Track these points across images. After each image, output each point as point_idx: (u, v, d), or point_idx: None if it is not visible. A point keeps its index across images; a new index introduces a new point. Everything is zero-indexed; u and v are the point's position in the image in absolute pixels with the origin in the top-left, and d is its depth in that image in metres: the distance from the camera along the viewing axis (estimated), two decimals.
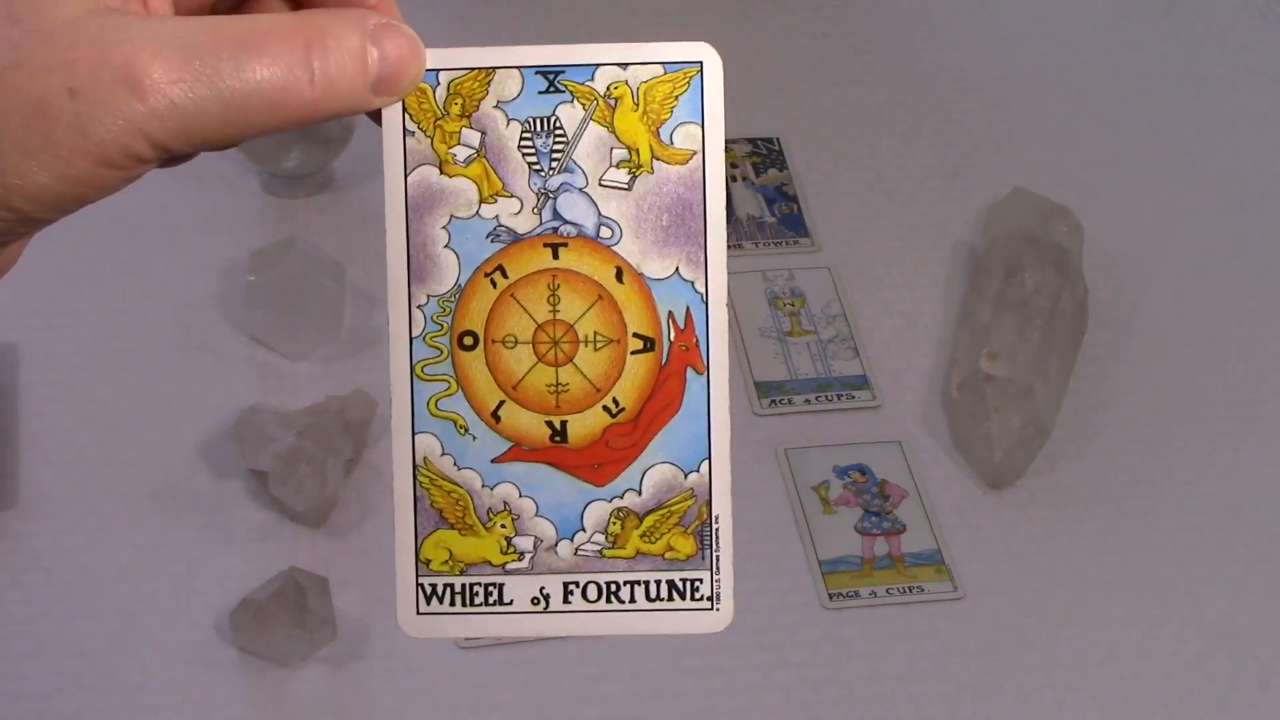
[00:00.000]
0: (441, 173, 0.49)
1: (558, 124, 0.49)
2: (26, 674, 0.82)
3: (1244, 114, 1.18)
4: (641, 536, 0.50)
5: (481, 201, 0.49)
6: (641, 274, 0.49)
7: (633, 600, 0.50)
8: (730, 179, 1.08)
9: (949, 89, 1.18)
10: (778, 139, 1.12)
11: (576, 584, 0.50)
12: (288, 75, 0.43)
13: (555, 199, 0.49)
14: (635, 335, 0.49)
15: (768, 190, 1.09)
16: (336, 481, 0.87)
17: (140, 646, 0.84)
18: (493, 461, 0.50)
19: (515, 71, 0.49)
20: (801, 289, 1.03)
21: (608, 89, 0.49)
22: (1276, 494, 0.95)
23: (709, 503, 0.50)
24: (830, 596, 0.88)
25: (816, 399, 0.97)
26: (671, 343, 0.50)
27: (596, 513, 0.50)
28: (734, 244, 1.05)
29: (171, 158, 0.44)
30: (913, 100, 1.17)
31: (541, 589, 0.50)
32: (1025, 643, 0.87)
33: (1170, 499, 0.94)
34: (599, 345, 0.50)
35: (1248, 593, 0.90)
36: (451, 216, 0.49)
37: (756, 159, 1.10)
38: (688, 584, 0.50)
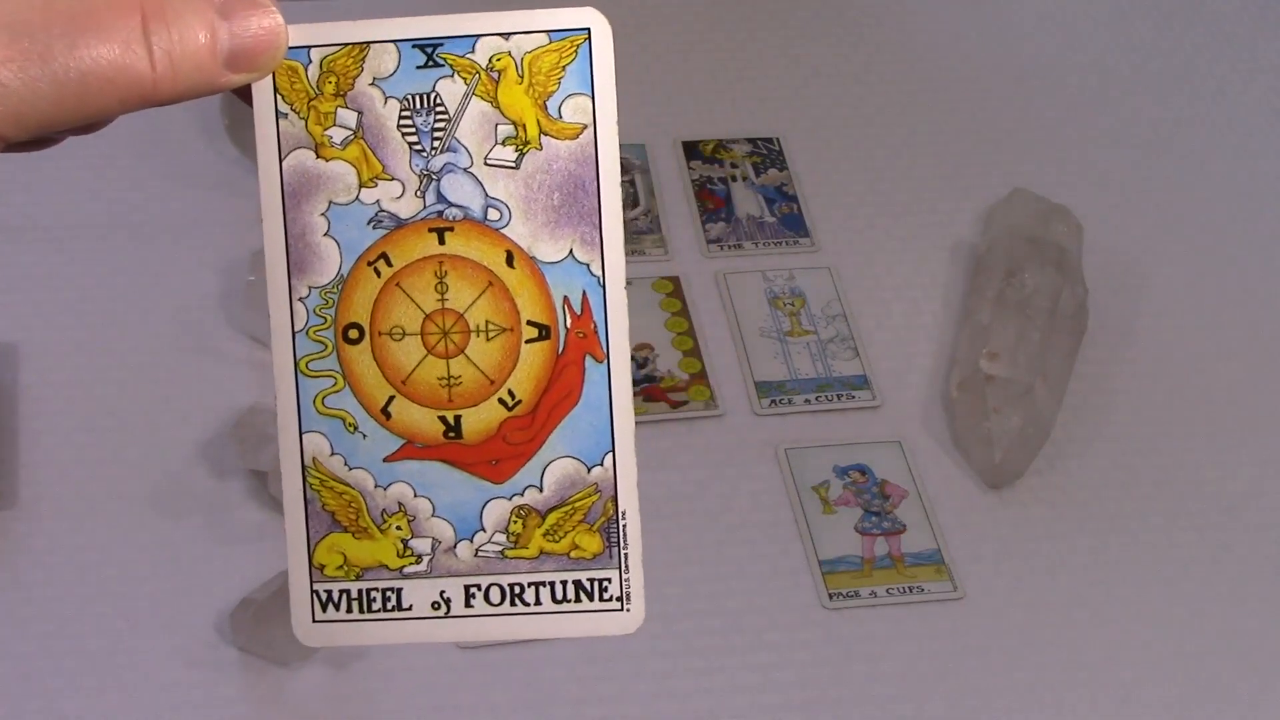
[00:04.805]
0: (318, 156, 0.46)
1: (438, 100, 0.46)
2: (27, 674, 0.82)
3: (1244, 114, 1.18)
4: (544, 535, 0.48)
5: (361, 186, 0.46)
6: (533, 258, 0.47)
7: (538, 602, 0.48)
8: (730, 179, 1.08)
9: (949, 89, 1.18)
10: (778, 139, 1.12)
11: (478, 587, 0.48)
12: (124, 52, 0.39)
13: (439, 181, 0.46)
14: (529, 323, 0.47)
15: (768, 190, 1.09)
16: None
17: (140, 646, 0.84)
18: (385, 460, 0.47)
19: (391, 46, 0.46)
20: (801, 289, 1.03)
21: (490, 61, 0.46)
22: (1276, 494, 0.95)
23: (614, 498, 0.47)
24: (830, 596, 0.88)
25: (816, 399, 0.96)
26: (568, 330, 0.47)
27: (496, 511, 0.48)
28: (734, 244, 1.05)
29: (15, 145, 0.40)
30: (913, 100, 1.17)
31: (442, 593, 0.48)
32: (1025, 643, 0.87)
33: (1170, 499, 0.94)
34: (491, 335, 0.47)
35: (1247, 592, 0.90)
36: (330, 203, 0.46)
37: (756, 159, 1.10)
38: (595, 584, 0.48)
